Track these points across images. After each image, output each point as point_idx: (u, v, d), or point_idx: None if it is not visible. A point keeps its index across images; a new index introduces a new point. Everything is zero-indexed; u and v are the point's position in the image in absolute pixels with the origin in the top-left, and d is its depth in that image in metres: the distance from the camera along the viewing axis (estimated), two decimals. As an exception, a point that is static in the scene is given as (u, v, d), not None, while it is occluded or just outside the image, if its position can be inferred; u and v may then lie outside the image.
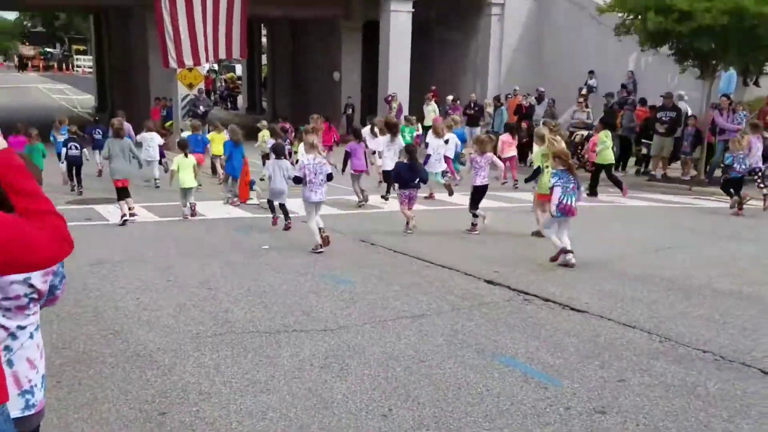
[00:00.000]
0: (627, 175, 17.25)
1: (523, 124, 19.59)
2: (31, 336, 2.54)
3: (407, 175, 10.40)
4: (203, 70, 27.40)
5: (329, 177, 9.41)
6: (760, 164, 12.65)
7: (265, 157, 14.18)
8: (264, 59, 42.26)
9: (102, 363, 5.35)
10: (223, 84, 46.95)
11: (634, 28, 17.37)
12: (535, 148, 10.65)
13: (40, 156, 13.49)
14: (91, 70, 48.61)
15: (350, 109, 27.86)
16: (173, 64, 22.81)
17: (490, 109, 21.58)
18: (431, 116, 23.70)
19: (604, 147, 14.08)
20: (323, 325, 6.21)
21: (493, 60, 26.52)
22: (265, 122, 17.32)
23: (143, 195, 13.70)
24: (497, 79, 26.39)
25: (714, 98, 16.72)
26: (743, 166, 12.39)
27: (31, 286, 2.44)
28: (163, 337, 5.90)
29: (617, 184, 14.35)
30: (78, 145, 14.73)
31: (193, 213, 11.60)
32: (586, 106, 19.56)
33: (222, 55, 24.17)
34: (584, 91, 21.49)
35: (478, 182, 10.46)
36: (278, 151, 10.95)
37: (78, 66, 73.63)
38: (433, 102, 23.81)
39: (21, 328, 2.48)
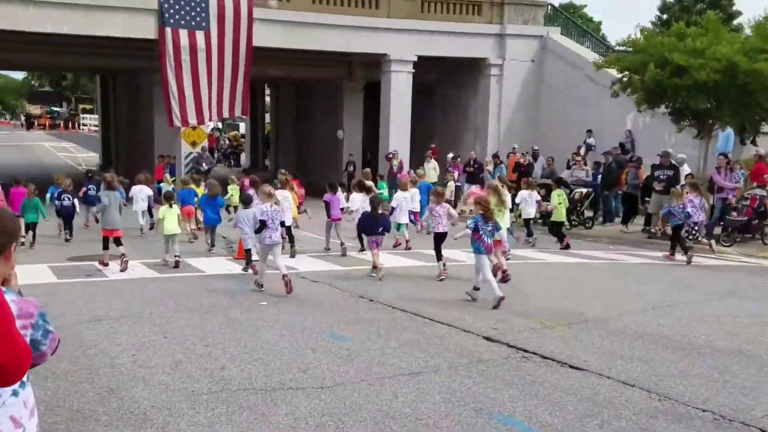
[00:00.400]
0: (630, 233, 17.32)
1: (522, 182, 19.76)
2: (15, 393, 2.46)
3: (371, 224, 11.65)
4: (207, 128, 27.83)
5: (282, 223, 10.67)
6: (701, 218, 13.83)
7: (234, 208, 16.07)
8: (267, 117, 42.91)
9: (96, 421, 5.30)
10: (227, 142, 47.56)
11: (630, 87, 17.70)
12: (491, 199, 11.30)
13: (36, 209, 14.51)
14: (96, 128, 49.30)
15: (351, 167, 28.15)
16: (177, 122, 23.22)
17: (489, 167, 21.80)
18: (431, 174, 23.95)
19: (557, 205, 15.13)
20: (320, 383, 6.17)
21: (492, 119, 26.92)
22: (234, 177, 17.85)
23: (141, 251, 13.75)
24: (496, 137, 26.74)
25: (711, 157, 16.91)
26: (682, 215, 13.49)
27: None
28: (157, 395, 5.85)
29: (561, 238, 15.17)
30: (70, 197, 15.57)
31: (176, 265, 12.01)
32: (585, 164, 19.77)
33: (225, 114, 24.65)
34: (582, 150, 21.75)
35: (439, 230, 11.50)
36: (246, 202, 12.07)
37: (84, 124, 74.67)
38: (433, 159, 24.08)
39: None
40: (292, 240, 13.52)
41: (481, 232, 9.51)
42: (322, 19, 24.30)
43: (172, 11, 22.21)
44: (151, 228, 16.55)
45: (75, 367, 6.57)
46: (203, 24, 22.66)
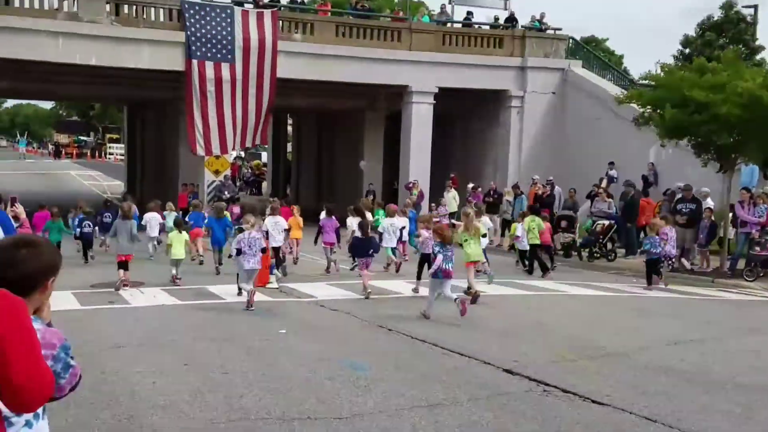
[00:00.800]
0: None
1: (544, 213, 19.69)
2: (28, 424, 2.47)
3: (361, 246, 12.55)
4: (230, 157, 28.18)
5: (263, 250, 11.38)
6: (673, 252, 14.94)
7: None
8: (289, 147, 43.32)
9: (114, 448, 5.31)
10: (249, 171, 48.02)
11: (652, 121, 17.66)
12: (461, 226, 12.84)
13: (58, 231, 15.87)
14: (122, 157, 50.07)
15: (372, 195, 28.25)
16: (201, 151, 23.55)
17: (509, 197, 21.75)
18: (452, 203, 23.97)
19: (532, 232, 15.57)
20: (337, 413, 6.13)
21: (513, 150, 26.97)
22: (223, 204, 18.46)
23: (163, 278, 13.86)
24: (517, 167, 26.77)
25: (735, 191, 16.76)
26: (658, 250, 14.11)
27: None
28: (176, 423, 5.85)
29: (542, 265, 15.59)
30: (90, 224, 17.08)
31: (173, 281, 13.39)
32: (608, 196, 19.66)
33: (248, 143, 24.96)
34: (604, 182, 21.67)
35: (426, 251, 12.29)
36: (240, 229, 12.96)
37: (110, 153, 75.79)
38: (453, 189, 24.11)
39: (18, 414, 2.40)
40: (278, 263, 14.11)
41: (440, 257, 10.17)
42: (344, 51, 24.65)
43: (198, 44, 22.66)
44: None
45: (95, 394, 6.60)
46: (229, 56, 23.07)
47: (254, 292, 11.00)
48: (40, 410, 2.50)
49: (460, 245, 11.99)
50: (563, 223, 18.96)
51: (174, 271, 13.65)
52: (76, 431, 5.67)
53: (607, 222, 18.32)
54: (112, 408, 6.25)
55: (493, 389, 6.93)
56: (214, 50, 22.91)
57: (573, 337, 9.36)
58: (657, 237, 14.14)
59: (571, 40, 28.87)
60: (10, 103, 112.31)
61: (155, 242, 17.63)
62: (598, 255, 18.04)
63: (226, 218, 15.84)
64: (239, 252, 11.05)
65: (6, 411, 2.28)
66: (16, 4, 21.13)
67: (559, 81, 27.07)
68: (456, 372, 7.53)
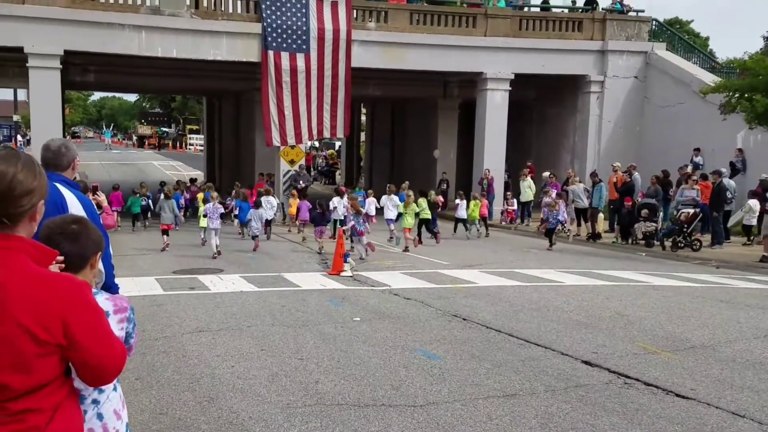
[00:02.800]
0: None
1: (626, 202, 19.12)
2: (115, 388, 2.71)
3: (317, 218, 17.19)
4: (305, 147, 28.53)
5: (222, 215, 16.62)
6: (565, 218, 19.65)
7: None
8: (362, 136, 43.56)
9: (197, 430, 5.46)
10: (323, 160, 48.57)
11: (740, 106, 16.86)
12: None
13: (138, 206, 21.57)
14: (202, 148, 51.47)
15: (445, 184, 28.14)
16: (276, 142, 23.93)
17: (584, 185, 21.17)
18: (527, 192, 23.57)
19: (422, 209, 18.21)
20: (412, 401, 6.12)
21: (591, 137, 26.29)
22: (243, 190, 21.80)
23: (242, 267, 14.18)
24: (596, 155, 26.08)
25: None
26: (553, 221, 18.61)
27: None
28: (254, 406, 5.96)
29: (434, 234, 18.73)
30: (147, 200, 22.00)
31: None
32: (696, 183, 18.87)
33: (326, 134, 25.20)
34: (689, 169, 20.84)
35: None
36: (257, 205, 18.18)
37: (191, 144, 78.10)
38: (528, 178, 23.70)
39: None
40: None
41: (354, 223, 15.15)
42: (418, 39, 24.52)
43: (274, 35, 22.98)
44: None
45: (178, 376, 6.80)
46: (304, 47, 23.31)
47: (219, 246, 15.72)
48: (113, 383, 2.69)
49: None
50: (644, 212, 18.33)
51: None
52: (161, 411, 5.85)
53: (692, 210, 17.61)
54: (193, 389, 6.43)
55: (571, 381, 6.76)
56: (289, 41, 23.20)
57: (655, 328, 9.04)
58: (556, 211, 18.63)
59: (654, 22, 27.82)
60: (97, 95, 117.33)
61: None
62: (682, 244, 17.37)
63: (246, 202, 20.07)
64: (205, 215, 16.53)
65: (80, 384, 2.38)
66: (102, -1, 21.96)
67: (641, 64, 26.16)
68: (532, 362, 7.40)
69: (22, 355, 1.96)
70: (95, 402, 2.62)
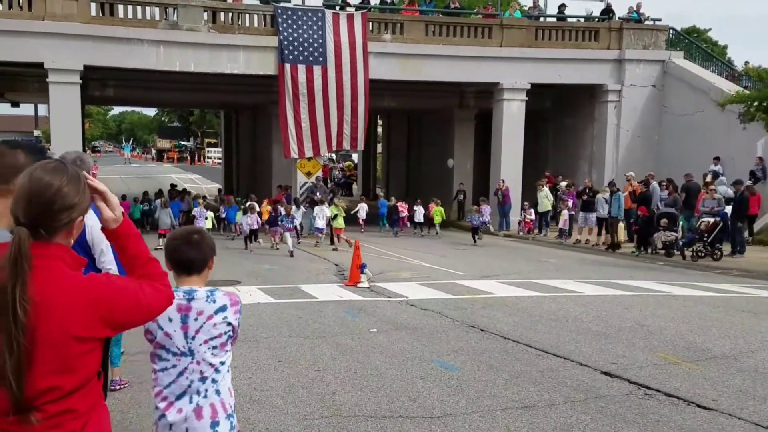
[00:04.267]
0: None
1: (640, 211, 18.96)
2: (228, 369, 3.12)
3: (273, 221, 20.26)
4: (322, 159, 28.64)
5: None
6: (489, 219, 23.17)
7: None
8: (379, 148, 43.65)
9: (211, 440, 5.43)
10: (340, 172, 48.73)
11: (759, 116, 16.70)
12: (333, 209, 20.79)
13: (139, 211, 24.63)
14: (220, 161, 51.83)
15: (462, 195, 28.13)
16: (294, 154, 24.03)
17: (605, 195, 21.00)
18: (544, 202, 23.45)
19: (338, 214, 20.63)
20: (429, 412, 6.07)
21: (609, 146, 26.15)
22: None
23: (260, 279, 14.21)
24: (613, 164, 25.92)
25: None
26: (477, 222, 22.19)
27: (229, 324, 3.06)
28: (271, 417, 5.95)
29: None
30: (147, 207, 25.47)
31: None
32: (716, 192, 18.68)
33: (346, 145, 25.23)
34: (709, 178, 20.64)
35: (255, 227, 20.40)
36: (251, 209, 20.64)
37: (209, 157, 78.75)
38: (545, 188, 23.59)
39: (222, 363, 3.07)
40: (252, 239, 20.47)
41: (284, 222, 19.40)
42: (434, 50, 24.57)
43: (291, 48, 23.12)
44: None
45: (194, 387, 6.80)
46: (320, 59, 23.43)
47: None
48: (228, 364, 3.11)
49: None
50: (664, 221, 18.16)
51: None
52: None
53: (712, 219, 17.42)
54: (209, 401, 6.41)
55: (591, 392, 6.68)
56: (305, 53, 23.33)
57: (676, 339, 8.92)
58: (477, 214, 22.32)
59: (671, 31, 27.67)
60: (116, 110, 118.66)
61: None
62: (703, 254, 17.17)
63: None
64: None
65: (203, 366, 2.95)
66: (121, 14, 22.22)
67: (659, 73, 26.02)
68: (551, 373, 7.32)
69: (68, 357, 2.02)
70: (214, 381, 3.02)
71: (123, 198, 25.09)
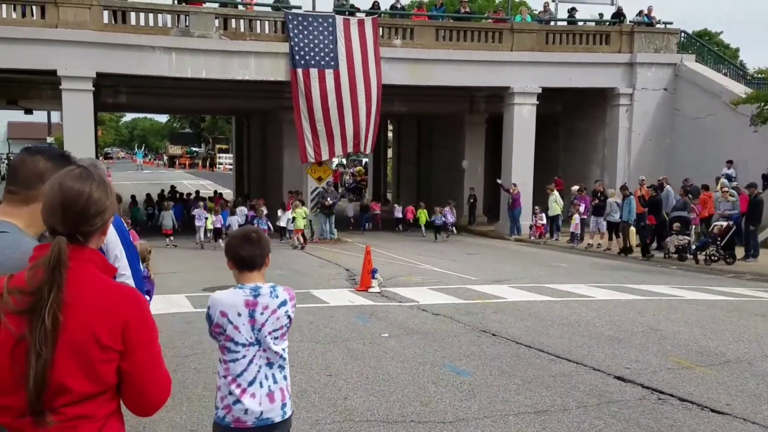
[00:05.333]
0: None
1: (648, 220, 18.91)
2: (285, 377, 3.43)
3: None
4: (332, 164, 28.71)
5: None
6: (451, 220, 25.24)
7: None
8: (389, 153, 43.68)
9: (224, 445, 5.45)
10: (351, 177, 48.80)
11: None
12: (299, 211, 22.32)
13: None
14: (231, 167, 52.03)
15: (473, 199, 28.12)
16: (311, 158, 24.01)
17: (616, 199, 20.89)
18: (554, 207, 23.39)
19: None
20: (441, 417, 6.06)
21: (621, 150, 26.06)
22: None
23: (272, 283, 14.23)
24: (625, 168, 25.83)
25: None
26: (439, 221, 24.58)
27: (289, 317, 3.37)
28: (283, 422, 5.95)
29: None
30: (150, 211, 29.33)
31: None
32: (731, 196, 18.57)
33: (361, 147, 25.19)
34: (723, 180, 20.52)
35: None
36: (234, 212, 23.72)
37: (220, 163, 79.01)
38: (555, 192, 23.53)
39: (283, 350, 3.38)
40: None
41: (258, 223, 21.05)
42: (444, 55, 24.58)
43: (302, 53, 23.16)
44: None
45: (208, 392, 6.82)
46: (332, 63, 23.43)
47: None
48: (287, 359, 3.41)
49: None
50: (676, 225, 18.06)
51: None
52: (192, 427, 5.87)
53: (725, 223, 17.32)
54: (222, 406, 6.43)
55: (604, 396, 6.65)
56: (317, 58, 23.35)
57: (689, 343, 8.87)
58: (439, 215, 24.79)
59: (682, 34, 27.56)
60: (128, 117, 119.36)
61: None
62: (716, 258, 17.07)
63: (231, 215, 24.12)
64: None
65: (278, 348, 3.31)
66: (133, 22, 22.37)
67: (670, 77, 25.92)
68: (563, 378, 7.29)
69: (90, 361, 2.02)
70: (281, 367, 3.37)
71: (132, 199, 27.48)
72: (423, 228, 26.24)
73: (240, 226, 21.96)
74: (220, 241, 21.65)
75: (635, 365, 7.75)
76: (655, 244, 19.36)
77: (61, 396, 2.00)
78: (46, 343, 1.95)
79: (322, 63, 23.37)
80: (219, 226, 22.50)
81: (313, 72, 23.27)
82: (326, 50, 23.45)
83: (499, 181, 26.19)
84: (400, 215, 28.70)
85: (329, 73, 23.43)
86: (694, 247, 17.85)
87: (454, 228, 25.53)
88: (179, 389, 6.85)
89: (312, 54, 23.32)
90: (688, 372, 7.53)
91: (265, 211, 23.60)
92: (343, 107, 23.77)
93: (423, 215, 26.35)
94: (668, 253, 18.34)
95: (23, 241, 2.44)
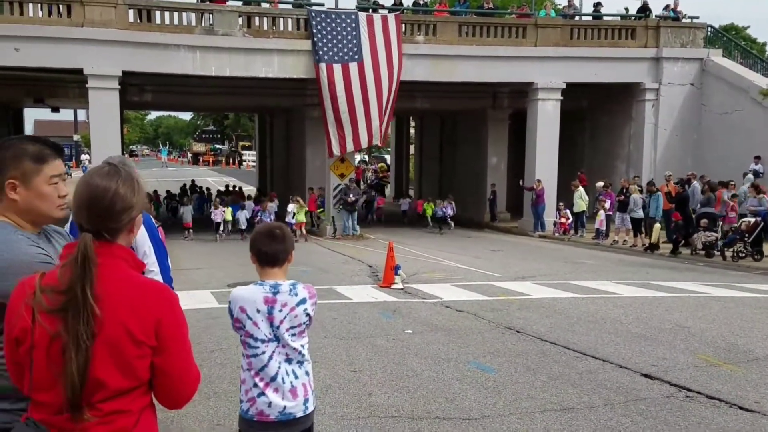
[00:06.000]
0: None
1: (673, 217, 18.66)
2: (307, 373, 3.45)
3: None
4: (355, 160, 28.75)
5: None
6: (449, 213, 26.61)
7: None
8: (411, 149, 43.62)
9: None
10: (373, 174, 48.85)
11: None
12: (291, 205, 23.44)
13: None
14: (254, 164, 52.30)
15: (493, 195, 28.09)
16: (337, 152, 24.01)
17: (641, 195, 20.67)
18: (579, 203, 23.19)
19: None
20: (467, 414, 6.05)
21: (647, 145, 25.76)
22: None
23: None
24: (651, 164, 25.53)
25: None
26: (441, 213, 26.34)
27: (308, 314, 3.38)
28: (308, 418, 5.97)
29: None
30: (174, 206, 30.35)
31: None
32: (758, 192, 18.29)
33: (375, 141, 25.13)
34: (750, 177, 20.21)
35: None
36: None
37: (243, 160, 79.46)
38: (580, 188, 23.33)
39: (302, 347, 3.40)
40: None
41: (262, 216, 22.39)
42: (467, 50, 24.46)
43: (326, 48, 23.13)
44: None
45: (234, 387, 6.86)
46: (356, 57, 23.35)
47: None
48: (307, 354, 3.43)
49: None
50: (704, 221, 17.83)
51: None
52: (218, 421, 5.92)
53: (752, 219, 17.06)
54: (247, 401, 6.47)
55: (631, 394, 6.59)
56: (340, 53, 23.29)
57: (717, 340, 8.76)
58: (438, 208, 26.43)
59: (709, 29, 27.17)
60: (153, 115, 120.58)
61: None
62: (744, 254, 16.82)
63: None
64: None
65: (298, 345, 3.33)
66: (158, 20, 22.54)
67: (697, 71, 25.56)
68: (589, 375, 7.24)
69: (124, 356, 2.04)
70: (300, 363, 3.39)
71: (154, 192, 27.99)
72: (429, 219, 27.33)
73: (246, 220, 23.88)
74: (222, 233, 23.69)
75: (662, 363, 7.67)
76: (682, 241, 19.11)
77: (97, 392, 2.02)
78: (86, 339, 1.98)
79: (346, 58, 23.29)
80: (219, 220, 23.71)
81: (337, 67, 23.20)
82: (349, 45, 23.37)
83: (521, 183, 26.02)
84: (407, 207, 31.45)
85: (353, 66, 23.31)
86: (721, 243, 17.60)
87: (451, 221, 26.65)
88: (206, 384, 6.90)
89: (335, 49, 23.26)
90: (716, 369, 7.44)
91: (274, 207, 24.31)
92: (369, 99, 23.66)
93: (429, 208, 27.66)
94: (695, 249, 18.12)
95: (12, 239, 2.41)
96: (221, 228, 23.56)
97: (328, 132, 23.76)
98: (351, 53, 23.37)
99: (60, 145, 2.75)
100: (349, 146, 24.13)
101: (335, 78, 23.18)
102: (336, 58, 23.22)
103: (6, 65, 21.24)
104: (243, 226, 23.74)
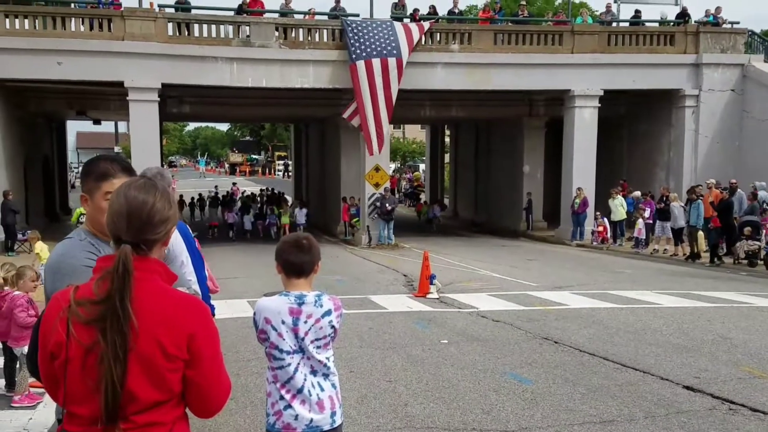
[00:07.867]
0: None
1: (713, 223, 18.27)
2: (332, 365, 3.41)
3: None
4: (390, 170, 28.73)
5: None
6: (438, 214, 31.75)
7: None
8: (446, 158, 43.51)
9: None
10: (408, 183, 48.85)
11: None
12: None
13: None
14: (290, 173, 52.68)
15: (528, 204, 27.84)
16: (376, 149, 23.84)
17: (680, 203, 20.28)
18: (619, 210, 22.87)
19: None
20: (504, 426, 5.98)
21: (687, 153, 25.29)
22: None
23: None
24: (692, 171, 25.04)
25: None
26: (431, 215, 31.01)
27: (333, 327, 3.32)
28: (345, 428, 5.95)
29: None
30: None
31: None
32: None
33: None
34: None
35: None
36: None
37: (279, 170, 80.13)
38: (619, 196, 23.00)
39: (328, 359, 3.35)
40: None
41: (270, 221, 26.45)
42: (502, 58, 24.34)
43: (362, 47, 23.05)
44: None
45: (263, 396, 6.90)
46: (394, 52, 23.19)
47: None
48: (333, 368, 3.37)
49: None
50: (747, 230, 17.42)
51: None
52: (254, 431, 5.94)
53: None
54: (283, 411, 6.49)
55: (672, 407, 6.45)
56: (379, 48, 23.03)
57: (761, 351, 8.53)
58: (429, 210, 31.47)
59: (750, 34, 26.62)
60: (191, 126, 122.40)
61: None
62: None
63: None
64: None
65: (323, 357, 3.29)
66: (196, 33, 22.91)
67: (738, 77, 25.05)
68: (629, 387, 7.10)
69: (157, 369, 2.06)
70: (326, 375, 3.34)
71: (180, 197, 30.27)
72: (420, 216, 32.94)
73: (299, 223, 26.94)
74: (231, 233, 27.24)
75: (705, 374, 7.50)
76: (723, 250, 18.71)
77: (131, 404, 2.04)
78: (123, 351, 2.00)
79: (384, 52, 23.01)
80: (232, 221, 27.53)
81: (376, 62, 22.89)
82: (387, 41, 23.18)
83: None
84: (437, 213, 34.53)
85: (392, 61, 23.05)
86: (764, 252, 17.17)
87: (439, 219, 32.16)
88: (242, 393, 6.94)
89: (373, 47, 23.04)
90: (760, 381, 7.24)
91: (284, 210, 27.86)
92: (390, 97, 23.45)
93: (425, 211, 33.77)
94: (738, 258, 17.71)
95: (73, 244, 2.82)
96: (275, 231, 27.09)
97: (367, 132, 23.49)
98: (389, 48, 23.14)
99: (127, 164, 2.98)
100: (386, 137, 23.94)
101: (374, 71, 22.85)
102: (374, 53, 22.94)
103: (49, 78, 21.81)
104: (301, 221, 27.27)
